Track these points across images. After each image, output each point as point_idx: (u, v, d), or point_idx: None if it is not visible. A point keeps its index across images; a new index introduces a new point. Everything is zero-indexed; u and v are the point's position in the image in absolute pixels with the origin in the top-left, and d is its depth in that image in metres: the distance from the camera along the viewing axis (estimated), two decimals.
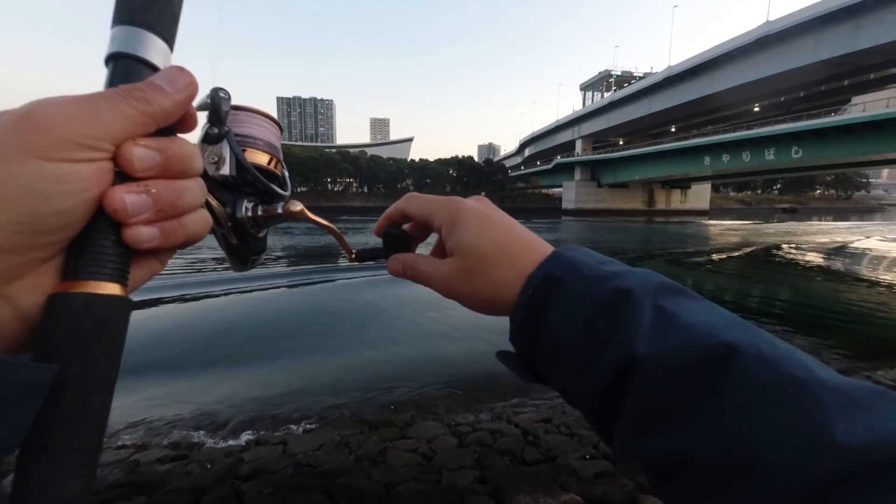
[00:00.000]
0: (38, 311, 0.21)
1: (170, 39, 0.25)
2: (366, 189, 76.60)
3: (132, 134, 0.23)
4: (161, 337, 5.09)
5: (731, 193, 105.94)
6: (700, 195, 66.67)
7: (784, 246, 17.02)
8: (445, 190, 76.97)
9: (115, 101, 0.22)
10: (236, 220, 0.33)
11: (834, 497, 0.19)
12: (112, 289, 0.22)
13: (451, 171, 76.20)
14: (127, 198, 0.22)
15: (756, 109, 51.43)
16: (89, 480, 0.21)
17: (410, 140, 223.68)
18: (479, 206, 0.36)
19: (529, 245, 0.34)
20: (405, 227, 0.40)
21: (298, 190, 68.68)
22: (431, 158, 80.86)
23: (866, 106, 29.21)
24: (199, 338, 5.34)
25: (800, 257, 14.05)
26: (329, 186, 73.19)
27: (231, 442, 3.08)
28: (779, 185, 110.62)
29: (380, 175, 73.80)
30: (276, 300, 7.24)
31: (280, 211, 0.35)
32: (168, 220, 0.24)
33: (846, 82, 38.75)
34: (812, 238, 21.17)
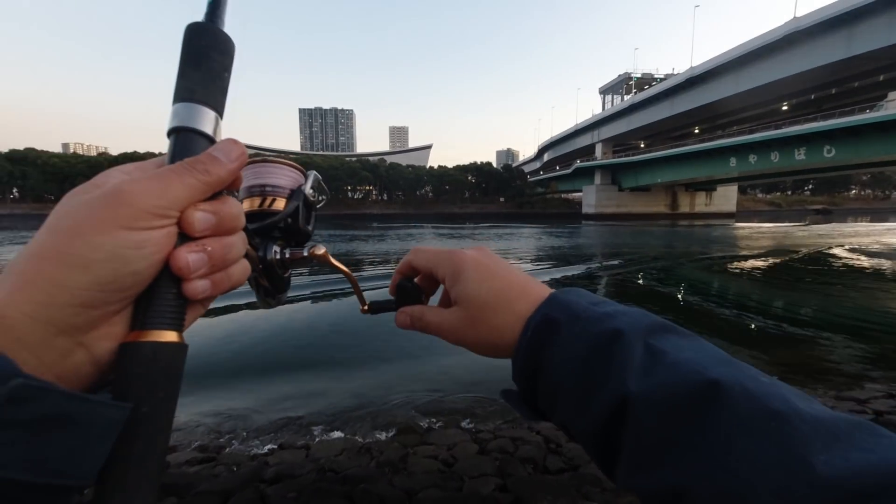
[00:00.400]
0: (109, 357, 0.25)
1: (221, 109, 0.29)
2: (385, 197, 77.45)
3: (194, 200, 0.26)
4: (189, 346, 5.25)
5: (760, 195, 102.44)
6: (726, 197, 64.64)
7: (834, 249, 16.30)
8: (465, 196, 77.11)
9: (182, 175, 0.26)
10: (266, 262, 0.36)
11: None
12: (174, 336, 0.26)
13: (469, 178, 76.32)
14: (190, 257, 0.26)
15: (784, 108, 49.68)
16: None
17: (429, 147, 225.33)
18: (479, 257, 0.39)
19: (526, 290, 0.37)
20: (416, 279, 0.43)
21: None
22: (450, 165, 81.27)
23: None
24: (225, 347, 5.49)
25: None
26: (349, 194, 74.36)
27: (256, 446, 3.15)
28: (811, 186, 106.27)
29: (399, 183, 74.55)
30: (301, 312, 7.38)
31: (306, 254, 0.38)
32: (218, 272, 0.28)
33: (882, 77, 37.07)
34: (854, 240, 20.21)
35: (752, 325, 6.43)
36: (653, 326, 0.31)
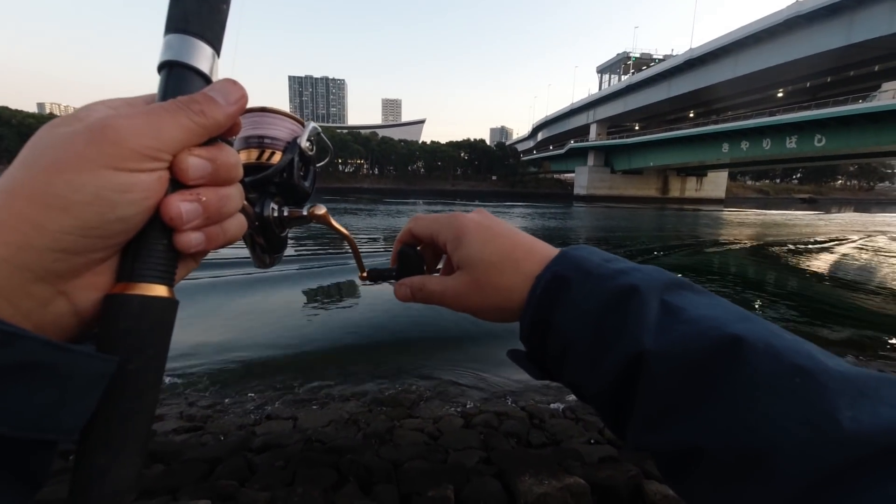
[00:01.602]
0: (93, 308, 0.23)
1: (218, 46, 0.27)
2: (376, 171, 76.36)
3: (188, 144, 0.24)
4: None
5: (749, 182, 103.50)
6: (716, 183, 65.23)
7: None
8: (456, 173, 76.36)
9: (176, 114, 0.24)
10: (263, 219, 0.34)
11: (842, 483, 0.20)
12: (164, 291, 0.24)
13: (462, 154, 75.46)
14: (182, 206, 0.24)
15: (780, 95, 49.64)
16: (140, 469, 0.23)
17: (422, 122, 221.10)
18: (481, 219, 0.38)
19: (533, 250, 0.36)
20: (419, 248, 0.41)
21: None
22: (443, 141, 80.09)
23: None
24: (211, 316, 5.45)
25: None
26: (340, 167, 73.10)
27: (243, 415, 3.17)
28: (799, 175, 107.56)
29: (391, 157, 73.40)
30: (289, 282, 7.33)
31: (305, 213, 0.36)
32: (213, 225, 0.26)
33: (877, 68, 37.09)
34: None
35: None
36: (669, 283, 0.30)
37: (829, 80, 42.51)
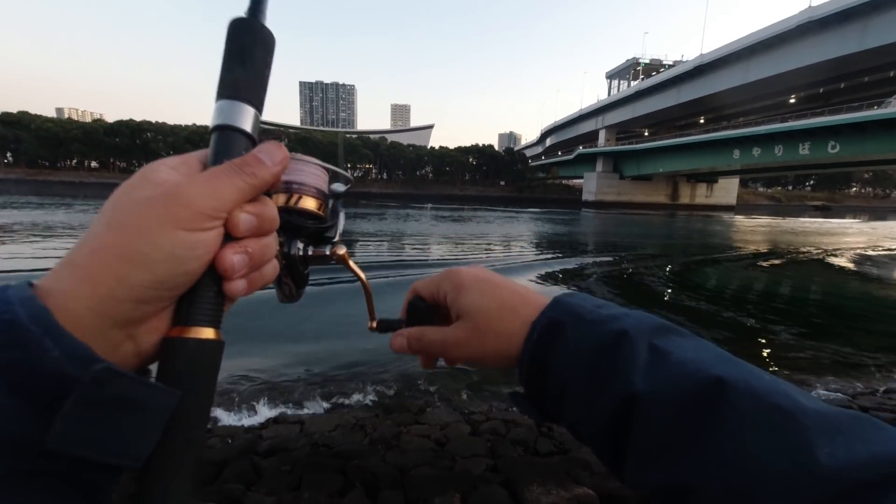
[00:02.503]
0: (152, 349, 0.26)
1: (261, 106, 0.31)
2: (385, 175, 76.76)
3: (241, 203, 0.28)
4: None
5: (760, 189, 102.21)
6: (727, 190, 64.50)
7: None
8: (465, 178, 76.46)
9: (233, 177, 0.27)
10: (289, 257, 0.37)
11: None
12: (214, 334, 0.27)
13: (471, 160, 75.60)
14: (234, 258, 0.27)
15: (792, 101, 49.02)
16: (191, 496, 0.25)
17: (431, 127, 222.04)
18: (479, 272, 0.40)
19: (528, 298, 0.38)
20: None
21: None
22: (452, 146, 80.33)
23: None
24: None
25: None
26: (349, 172, 73.55)
27: (250, 418, 3.18)
28: (812, 182, 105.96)
29: (399, 162, 73.77)
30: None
31: (328, 252, 0.38)
32: (254, 272, 0.29)
33: (892, 73, 36.50)
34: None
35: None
36: (657, 327, 0.32)
37: (842, 85, 41.92)
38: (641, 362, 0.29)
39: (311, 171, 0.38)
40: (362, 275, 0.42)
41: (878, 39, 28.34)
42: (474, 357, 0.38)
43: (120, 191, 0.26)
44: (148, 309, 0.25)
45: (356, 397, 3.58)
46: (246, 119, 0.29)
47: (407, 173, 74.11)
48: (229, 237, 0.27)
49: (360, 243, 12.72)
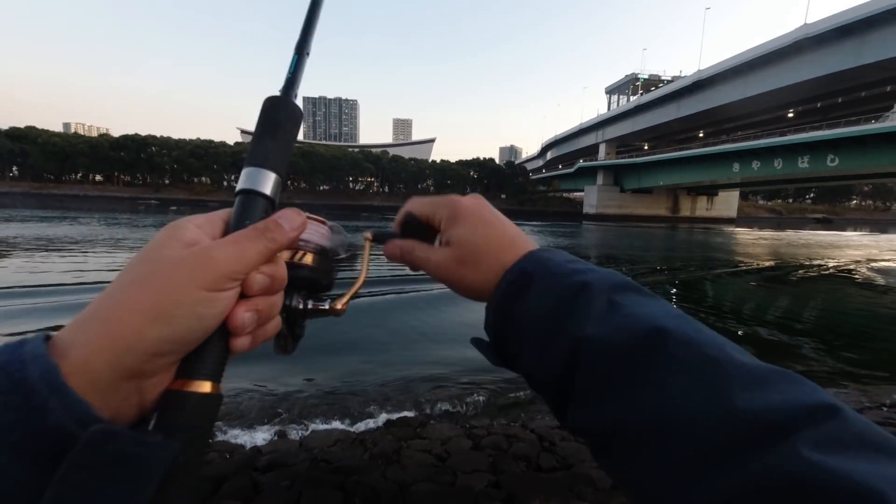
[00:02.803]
0: (153, 400, 0.26)
1: (284, 172, 0.33)
2: (386, 189, 77.21)
3: (260, 265, 0.29)
4: None
5: (761, 201, 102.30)
6: (727, 202, 64.57)
7: None
8: (466, 191, 76.64)
9: (256, 242, 0.29)
10: (290, 310, 0.38)
11: (731, 453, 0.23)
12: (214, 388, 0.28)
13: (472, 173, 76.07)
14: (246, 316, 0.28)
15: (790, 115, 49.45)
16: None
17: (432, 141, 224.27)
18: (477, 205, 0.41)
19: (515, 243, 0.39)
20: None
21: (321, 188, 69.93)
22: (453, 159, 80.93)
23: None
24: None
25: None
26: (351, 185, 74.12)
27: (249, 433, 3.15)
28: (812, 194, 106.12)
29: (401, 175, 74.27)
30: None
31: (327, 307, 0.39)
32: (259, 327, 0.30)
33: (889, 88, 36.87)
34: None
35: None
36: (620, 284, 0.33)
37: (840, 100, 42.31)
38: (596, 312, 0.31)
39: (314, 229, 0.39)
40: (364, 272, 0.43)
41: (875, 55, 28.72)
42: (451, 282, 0.40)
43: (150, 248, 0.27)
44: (161, 362, 0.26)
45: (356, 411, 3.54)
46: (269, 185, 0.32)
47: (408, 187, 74.50)
48: (242, 295, 0.29)
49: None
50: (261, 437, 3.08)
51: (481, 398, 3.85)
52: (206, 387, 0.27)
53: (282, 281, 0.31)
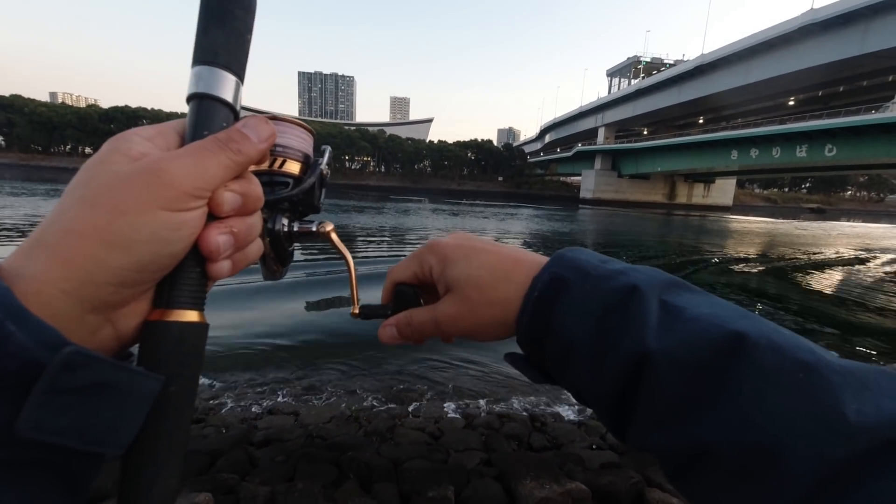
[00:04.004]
0: (132, 333, 0.25)
1: (242, 75, 0.28)
2: (383, 168, 76.45)
3: (226, 181, 0.26)
4: None
5: (757, 190, 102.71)
6: (724, 190, 64.84)
7: None
8: (463, 173, 76.21)
9: (217, 154, 0.26)
10: (273, 233, 0.35)
11: (852, 476, 0.20)
12: (198, 316, 0.26)
13: (469, 154, 75.42)
14: (219, 239, 0.26)
15: (791, 103, 49.16)
16: (181, 480, 0.25)
17: (430, 121, 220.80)
18: (461, 239, 0.37)
19: (521, 260, 0.35)
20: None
21: None
22: (450, 140, 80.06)
23: None
24: (215, 315, 5.47)
25: None
26: (347, 164, 73.28)
27: (246, 409, 3.18)
28: (808, 184, 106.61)
29: (398, 155, 73.49)
30: (292, 286, 7.35)
31: (314, 229, 0.37)
32: (238, 251, 0.28)
33: (891, 78, 36.64)
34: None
35: None
36: (668, 282, 0.30)
37: (841, 89, 42.05)
38: (654, 319, 0.28)
39: (296, 134, 0.36)
40: (348, 255, 0.40)
41: (878, 43, 28.41)
42: (470, 330, 0.35)
43: (90, 165, 0.24)
44: (128, 292, 0.24)
45: (351, 389, 3.58)
46: (227, 88, 0.27)
47: (405, 167, 73.83)
48: (212, 216, 0.26)
49: (359, 237, 12.68)
50: (256, 412, 3.11)
51: (474, 378, 3.90)
52: (189, 315, 0.26)
53: (256, 200, 0.28)
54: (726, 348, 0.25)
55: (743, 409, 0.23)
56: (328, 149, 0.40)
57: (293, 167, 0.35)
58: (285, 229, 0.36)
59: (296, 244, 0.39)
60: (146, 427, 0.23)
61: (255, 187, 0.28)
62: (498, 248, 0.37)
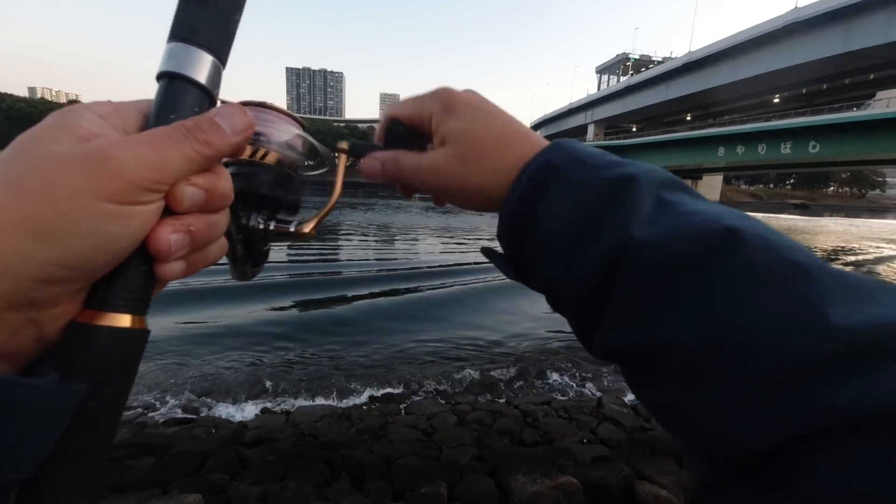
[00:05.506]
0: (59, 333, 0.21)
1: (224, 59, 0.25)
2: None
3: (189, 175, 0.22)
4: (171, 302, 5.16)
5: (743, 186, 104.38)
6: (711, 186, 65.87)
7: None
8: None
9: (180, 144, 0.22)
10: (248, 230, 0.33)
11: (820, 376, 0.19)
12: (135, 322, 0.22)
13: None
14: (171, 238, 0.22)
15: (776, 101, 49.97)
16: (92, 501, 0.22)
17: None
18: (473, 96, 0.34)
19: (528, 135, 0.32)
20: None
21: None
22: None
23: (890, 102, 28.33)
24: (202, 316, 5.40)
25: None
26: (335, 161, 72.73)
27: (235, 409, 3.15)
28: (792, 181, 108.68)
29: None
30: (278, 287, 7.29)
31: (292, 230, 0.34)
32: (196, 252, 0.24)
33: (872, 76, 37.45)
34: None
35: None
36: (669, 180, 0.28)
37: (824, 87, 42.87)
38: (643, 211, 0.25)
39: (282, 125, 0.33)
40: (339, 188, 0.36)
41: (860, 42, 29.00)
42: (453, 189, 0.33)
43: (25, 140, 0.20)
44: (57, 290, 0.20)
45: (342, 387, 3.57)
46: (204, 70, 0.24)
47: None
48: (168, 210, 0.22)
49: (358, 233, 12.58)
50: (247, 412, 3.09)
51: (467, 376, 3.91)
52: (122, 320, 0.22)
53: (224, 197, 0.24)
54: (715, 240, 0.23)
55: (718, 301, 0.21)
56: (313, 143, 0.37)
57: (271, 157, 0.32)
58: (260, 227, 0.33)
59: (272, 244, 0.36)
60: (56, 449, 0.19)
61: (224, 183, 0.24)
62: (509, 118, 0.33)
